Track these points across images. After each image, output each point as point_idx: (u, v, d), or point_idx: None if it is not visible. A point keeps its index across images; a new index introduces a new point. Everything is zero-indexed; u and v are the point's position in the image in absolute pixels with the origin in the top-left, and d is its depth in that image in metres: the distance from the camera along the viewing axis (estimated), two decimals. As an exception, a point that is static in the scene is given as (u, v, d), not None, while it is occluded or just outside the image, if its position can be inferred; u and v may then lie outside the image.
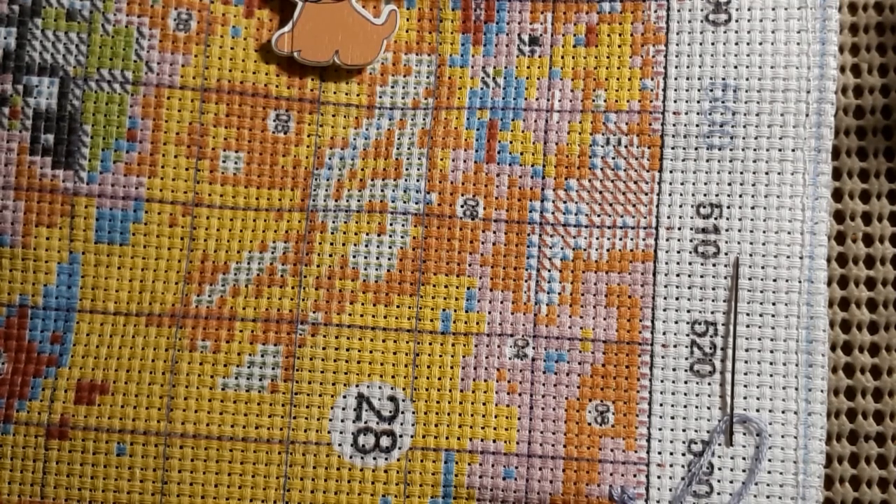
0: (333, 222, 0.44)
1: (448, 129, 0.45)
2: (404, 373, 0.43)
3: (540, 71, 0.45)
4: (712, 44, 0.44)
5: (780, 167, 0.43)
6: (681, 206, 0.44)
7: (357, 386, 0.43)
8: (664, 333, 0.43)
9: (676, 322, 0.43)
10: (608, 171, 0.44)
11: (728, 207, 0.44)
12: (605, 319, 0.44)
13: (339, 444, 0.43)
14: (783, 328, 0.43)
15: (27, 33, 0.44)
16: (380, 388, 0.43)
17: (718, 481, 0.42)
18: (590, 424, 0.43)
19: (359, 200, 0.45)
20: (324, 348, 0.43)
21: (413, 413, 0.43)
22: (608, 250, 0.44)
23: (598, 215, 0.44)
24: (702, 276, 0.43)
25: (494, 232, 0.44)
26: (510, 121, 0.45)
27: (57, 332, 0.44)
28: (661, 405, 0.43)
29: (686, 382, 0.43)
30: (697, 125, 0.44)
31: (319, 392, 0.43)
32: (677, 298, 0.43)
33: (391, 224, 0.44)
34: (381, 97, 0.46)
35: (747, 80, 0.44)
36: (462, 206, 0.44)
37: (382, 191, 0.45)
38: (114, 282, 0.44)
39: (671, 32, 0.45)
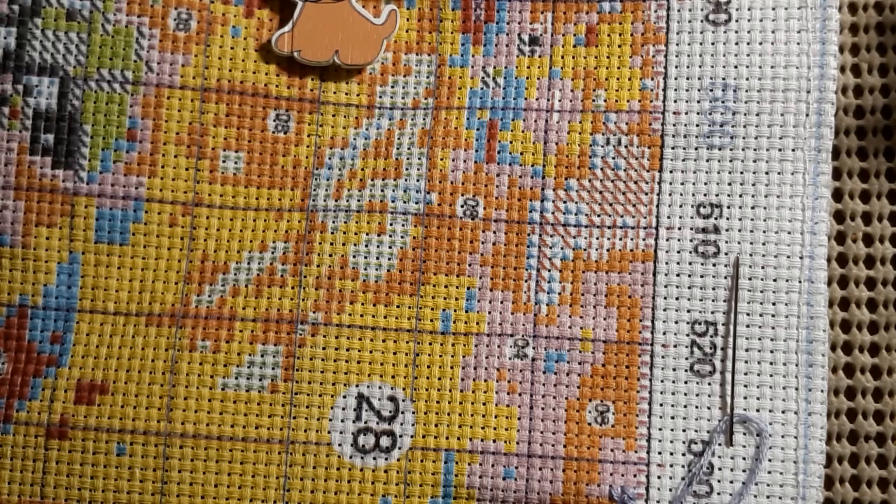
0: (333, 222, 0.44)
1: (448, 129, 0.45)
2: (404, 373, 0.43)
3: (540, 71, 0.45)
4: (712, 44, 0.44)
5: (780, 167, 0.43)
6: (681, 206, 0.44)
7: (357, 386, 0.43)
8: (664, 333, 0.43)
9: (676, 322, 0.43)
10: (608, 171, 0.44)
11: (728, 207, 0.44)
12: (605, 319, 0.44)
13: (339, 444, 0.43)
14: (783, 328, 0.43)
15: (27, 33, 0.44)
16: (380, 388, 0.43)
17: (718, 481, 0.42)
18: (590, 424, 0.43)
19: (359, 200, 0.45)
20: (324, 348, 0.43)
21: (413, 413, 0.43)
22: (608, 250, 0.44)
23: (598, 215, 0.44)
24: (702, 276, 0.43)
25: (494, 232, 0.44)
26: (510, 121, 0.45)
27: (57, 332, 0.44)
28: (661, 405, 0.43)
29: (686, 382, 0.43)
30: (697, 125, 0.44)
31: (319, 392, 0.43)
32: (677, 298, 0.43)
33: (391, 224, 0.44)
34: (381, 97, 0.46)
35: (747, 80, 0.44)
36: (462, 206, 0.44)
37: (382, 191, 0.45)
38: (114, 282, 0.44)
39: (671, 32, 0.45)
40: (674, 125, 0.44)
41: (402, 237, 0.44)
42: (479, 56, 0.46)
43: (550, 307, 0.44)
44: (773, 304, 0.43)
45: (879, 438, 0.44)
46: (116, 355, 0.43)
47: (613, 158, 0.44)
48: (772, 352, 0.43)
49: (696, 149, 0.44)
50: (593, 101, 0.45)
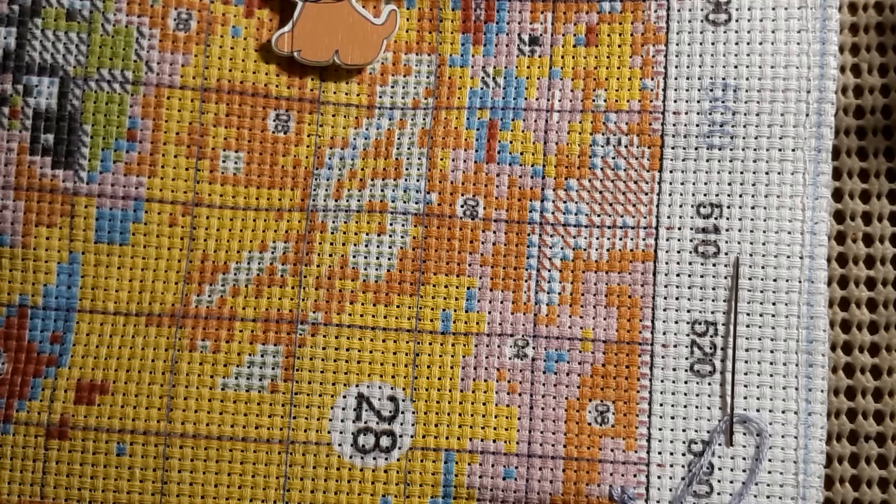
0: (333, 222, 0.44)
1: (448, 129, 0.45)
2: (404, 373, 0.43)
3: (540, 71, 0.45)
4: (712, 44, 0.44)
5: (780, 167, 0.43)
6: (681, 206, 0.44)
7: (357, 386, 0.43)
8: (664, 333, 0.43)
9: (676, 322, 0.43)
10: (608, 171, 0.44)
11: (728, 207, 0.44)
12: (605, 319, 0.44)
13: (339, 444, 0.43)
14: (783, 328, 0.43)
15: (27, 33, 0.44)
16: (380, 388, 0.43)
17: (718, 481, 0.42)
18: (590, 424, 0.43)
19: (359, 200, 0.45)
20: (324, 348, 0.43)
21: (413, 413, 0.43)
22: (608, 250, 0.44)
23: (598, 215, 0.44)
24: (702, 276, 0.43)
25: (494, 232, 0.44)
26: (510, 121, 0.45)
27: (57, 332, 0.44)
28: (661, 405, 0.43)
29: (686, 382, 0.43)
30: (697, 125, 0.44)
31: (319, 392, 0.43)
32: (677, 298, 0.43)
33: (391, 224, 0.44)
34: (381, 97, 0.46)
35: (747, 80, 0.44)
36: (462, 206, 0.44)
37: (382, 191, 0.45)
38: (114, 282, 0.44)
39: (671, 32, 0.45)
40: (674, 125, 0.44)
41: (402, 237, 0.44)
42: (479, 56, 0.46)
43: (550, 307, 0.44)
44: (773, 304, 0.43)
45: (879, 438, 0.44)
46: (116, 355, 0.43)
47: (613, 158, 0.44)
48: (772, 352, 0.43)
49: (696, 149, 0.44)
50: (593, 101, 0.45)
